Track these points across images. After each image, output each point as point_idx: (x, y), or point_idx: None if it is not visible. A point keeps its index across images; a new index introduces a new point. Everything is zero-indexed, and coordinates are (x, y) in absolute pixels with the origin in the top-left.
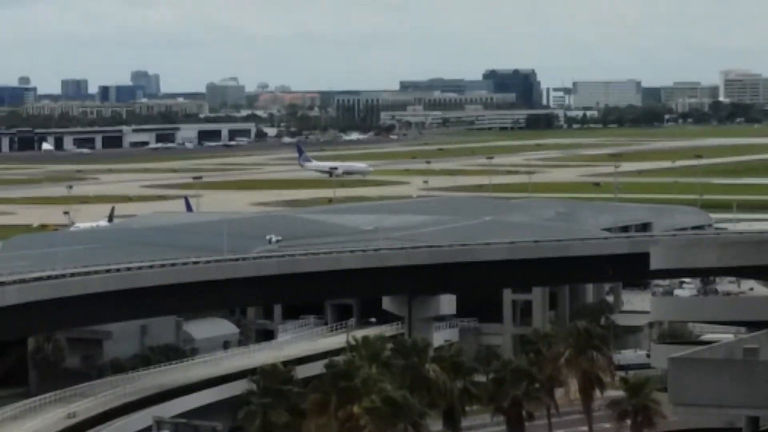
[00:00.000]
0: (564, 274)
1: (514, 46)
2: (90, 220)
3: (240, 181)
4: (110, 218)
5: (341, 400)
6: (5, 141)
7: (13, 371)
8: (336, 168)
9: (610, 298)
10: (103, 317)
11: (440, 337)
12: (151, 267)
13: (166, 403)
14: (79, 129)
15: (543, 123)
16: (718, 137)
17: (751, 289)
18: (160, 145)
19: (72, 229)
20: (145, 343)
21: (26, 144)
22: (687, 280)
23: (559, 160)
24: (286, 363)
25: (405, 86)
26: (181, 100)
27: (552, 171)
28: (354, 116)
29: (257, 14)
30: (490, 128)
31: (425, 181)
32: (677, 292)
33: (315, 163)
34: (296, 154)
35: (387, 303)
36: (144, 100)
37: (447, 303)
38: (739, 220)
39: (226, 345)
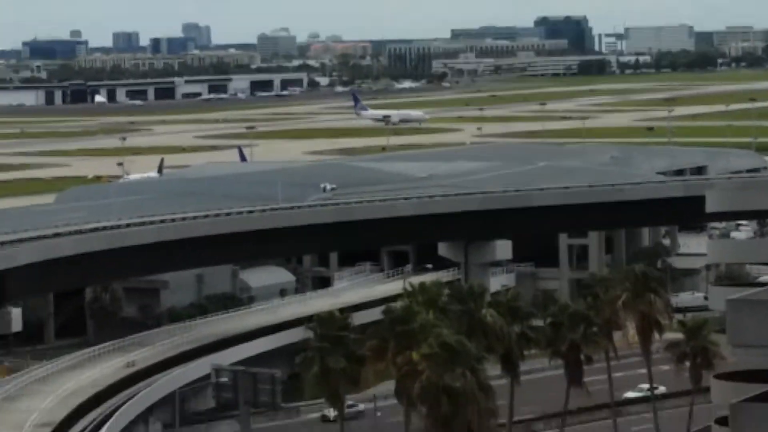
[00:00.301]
0: (619, 218)
1: None
2: (143, 171)
3: (293, 130)
4: (160, 170)
5: (399, 346)
6: (58, 94)
7: (72, 321)
8: (391, 116)
9: (666, 242)
10: (159, 267)
11: (497, 282)
12: (206, 217)
13: (224, 352)
14: (131, 81)
15: (595, 69)
16: None
17: None
18: (212, 95)
19: (122, 180)
20: (201, 292)
21: (79, 96)
22: (743, 222)
23: (613, 105)
24: (342, 310)
25: (456, 34)
26: (232, 51)
27: (605, 116)
28: (406, 65)
29: None
30: (542, 75)
31: (479, 128)
32: (734, 234)
33: (371, 112)
34: (350, 103)
35: (443, 249)
36: (195, 51)
37: (503, 248)
38: None
39: (282, 293)
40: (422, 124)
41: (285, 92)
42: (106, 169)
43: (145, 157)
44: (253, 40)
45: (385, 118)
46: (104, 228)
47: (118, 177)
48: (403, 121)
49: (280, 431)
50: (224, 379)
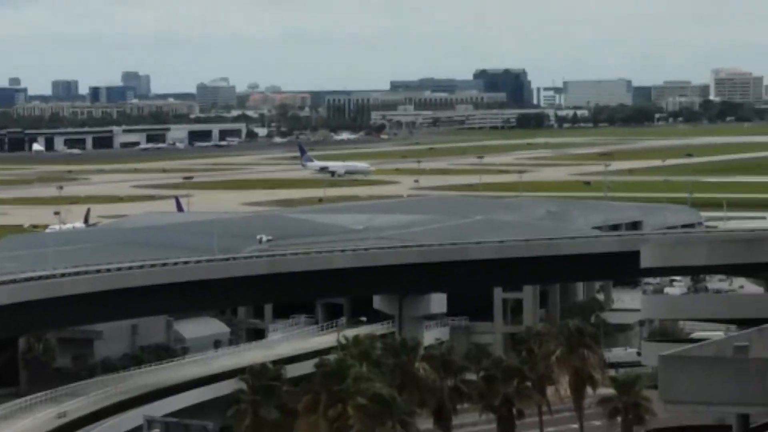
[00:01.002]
0: (554, 272)
1: (505, 46)
2: (73, 221)
3: (231, 180)
4: (86, 220)
5: (331, 399)
6: None
7: (4, 371)
8: (336, 168)
9: (600, 296)
10: (94, 317)
11: (431, 335)
12: (141, 267)
13: (157, 402)
14: (69, 129)
15: (534, 122)
16: (709, 136)
17: (741, 286)
18: (150, 145)
19: (47, 231)
20: (135, 343)
21: (17, 145)
22: (677, 278)
23: (550, 159)
24: (276, 362)
25: (395, 86)
26: (171, 100)
27: (543, 170)
28: (345, 116)
29: (247, 15)
30: (480, 127)
31: (416, 181)
32: (667, 290)
33: (317, 163)
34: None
35: (378, 302)
36: (134, 100)
37: (438, 302)
38: (729, 219)
39: (216, 344)
40: (368, 176)
41: (223, 142)
42: (42, 218)
43: (82, 206)
44: (192, 90)
45: (332, 170)
46: (39, 277)
47: (44, 227)
48: (348, 172)
49: None
50: (156, 431)
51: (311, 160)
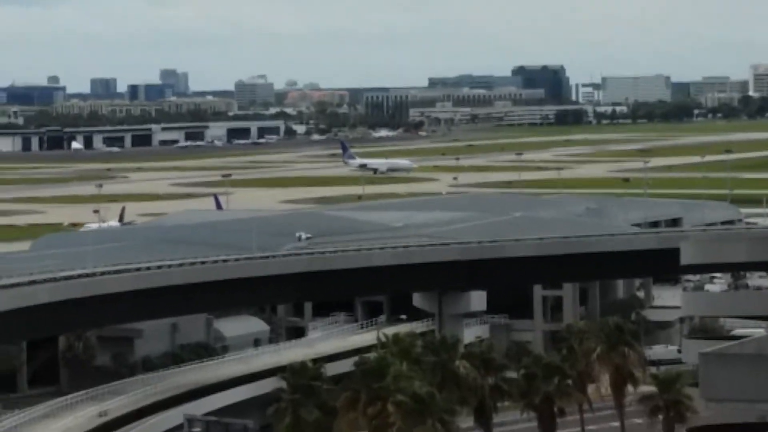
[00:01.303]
0: (594, 269)
1: (543, 42)
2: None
3: (269, 178)
4: (121, 218)
5: (371, 398)
6: (35, 140)
7: (45, 370)
8: (379, 166)
9: (640, 294)
10: (134, 315)
11: (471, 333)
12: (181, 265)
13: (197, 401)
14: (108, 128)
15: (572, 118)
16: (748, 132)
17: None
18: (189, 143)
19: (82, 230)
20: (175, 341)
21: (56, 143)
22: (717, 275)
23: (589, 155)
24: (316, 360)
25: (433, 83)
26: (210, 98)
27: (581, 167)
28: (383, 113)
29: (285, 12)
30: (519, 124)
31: (455, 178)
32: (708, 287)
33: (359, 160)
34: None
35: (417, 300)
36: (173, 98)
37: (477, 299)
38: None
39: (256, 342)
40: (410, 173)
41: (262, 140)
42: (82, 216)
43: (121, 204)
44: (231, 87)
45: (374, 168)
46: (79, 276)
47: (82, 225)
48: (390, 170)
49: None
50: (197, 430)
51: (353, 158)
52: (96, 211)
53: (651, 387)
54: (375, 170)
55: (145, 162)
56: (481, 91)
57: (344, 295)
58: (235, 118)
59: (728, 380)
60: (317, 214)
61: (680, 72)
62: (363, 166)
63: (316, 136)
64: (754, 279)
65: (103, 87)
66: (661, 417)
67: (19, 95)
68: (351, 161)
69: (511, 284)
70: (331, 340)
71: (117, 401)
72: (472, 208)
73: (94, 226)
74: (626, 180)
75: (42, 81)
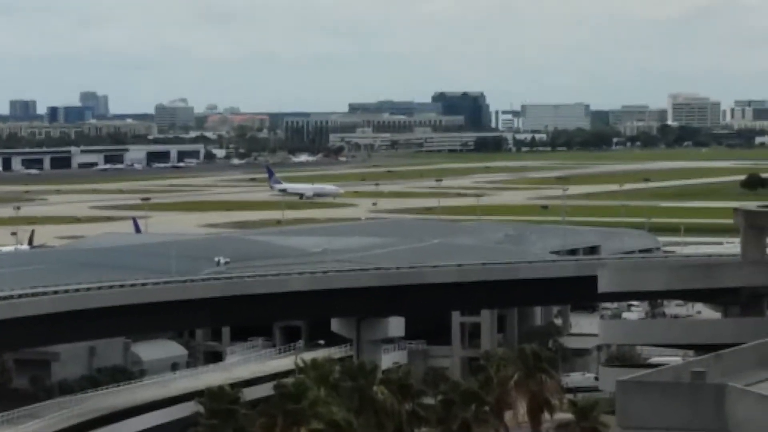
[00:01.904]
0: (512, 296)
1: (463, 69)
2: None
3: (188, 202)
4: (30, 242)
5: (288, 423)
6: None
7: None
8: (305, 191)
9: (558, 321)
10: (51, 338)
11: (389, 359)
12: (99, 288)
13: (115, 425)
14: (27, 150)
15: (492, 145)
16: (666, 161)
17: (699, 312)
18: (108, 166)
19: None
20: (93, 365)
21: None
22: (635, 303)
23: (508, 182)
24: (234, 385)
25: (354, 108)
26: (130, 121)
27: (501, 194)
28: (303, 138)
29: (206, 36)
30: (439, 150)
31: (374, 203)
32: (625, 315)
33: (285, 185)
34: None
35: (335, 325)
36: (93, 121)
37: (395, 325)
38: (686, 244)
39: (174, 367)
40: (336, 199)
41: (181, 164)
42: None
43: (40, 226)
44: (151, 111)
45: (300, 193)
46: None
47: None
48: (317, 195)
49: None
50: None
51: (279, 182)
52: (14, 234)
53: (568, 414)
54: (301, 195)
55: (64, 184)
56: (401, 117)
57: (262, 319)
58: (155, 141)
59: (645, 408)
60: (236, 239)
61: (600, 100)
62: (283, 191)
63: (235, 161)
64: (671, 307)
65: (23, 109)
66: None
67: None
68: (277, 186)
69: (430, 310)
70: (249, 365)
71: (34, 424)
72: (391, 234)
73: (7, 249)
74: (545, 207)
75: None
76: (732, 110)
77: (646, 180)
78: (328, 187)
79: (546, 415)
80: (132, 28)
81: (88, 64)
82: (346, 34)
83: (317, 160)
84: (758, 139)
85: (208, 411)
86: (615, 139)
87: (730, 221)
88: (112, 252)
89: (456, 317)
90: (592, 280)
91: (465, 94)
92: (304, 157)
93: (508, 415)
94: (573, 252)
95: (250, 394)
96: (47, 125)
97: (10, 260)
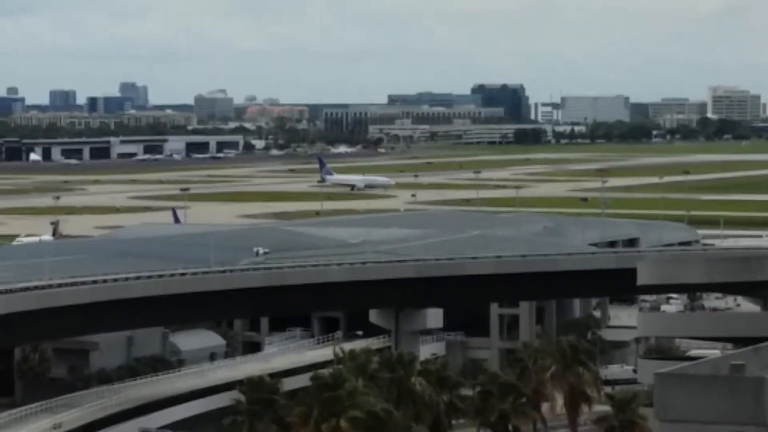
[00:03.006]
0: (551, 288)
1: (502, 61)
2: (73, 230)
3: (227, 193)
4: (54, 232)
5: (325, 413)
6: None
7: (0, 381)
8: (357, 182)
9: (597, 313)
10: (90, 328)
11: (427, 350)
12: (137, 278)
13: (153, 414)
14: (66, 140)
15: (531, 137)
16: (706, 153)
17: (738, 305)
18: (147, 156)
19: (15, 243)
20: (131, 354)
21: (14, 154)
22: (674, 295)
23: (547, 174)
24: (272, 375)
25: (393, 100)
26: (169, 111)
27: (540, 186)
28: (342, 129)
29: (245, 27)
30: (478, 142)
31: (413, 195)
32: (664, 307)
33: (336, 176)
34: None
35: (374, 316)
36: (132, 111)
37: (434, 316)
38: (725, 237)
39: (212, 357)
40: (387, 190)
41: (220, 154)
42: (39, 228)
43: (79, 216)
44: (190, 101)
45: (352, 184)
46: (35, 288)
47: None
48: (368, 186)
49: None
50: None
51: (330, 173)
52: (53, 223)
53: (606, 407)
54: (352, 186)
55: (104, 175)
56: (441, 109)
57: (301, 310)
58: (194, 132)
59: (683, 401)
60: (275, 229)
61: (639, 93)
62: (348, 183)
63: (274, 151)
64: (710, 300)
65: (62, 99)
66: None
67: None
68: (329, 177)
69: (468, 302)
70: (287, 355)
71: (72, 414)
72: (429, 226)
73: (26, 240)
74: (584, 199)
75: (1, 92)
76: None
77: (686, 173)
78: (380, 178)
79: (584, 408)
80: (169, 19)
81: (127, 55)
82: (384, 26)
83: (356, 152)
84: None
85: (247, 401)
86: (654, 132)
87: None
88: (151, 242)
89: (494, 309)
90: (631, 272)
91: (504, 86)
92: (342, 149)
93: (545, 407)
94: (612, 244)
95: (288, 384)
96: (87, 115)
97: (50, 250)
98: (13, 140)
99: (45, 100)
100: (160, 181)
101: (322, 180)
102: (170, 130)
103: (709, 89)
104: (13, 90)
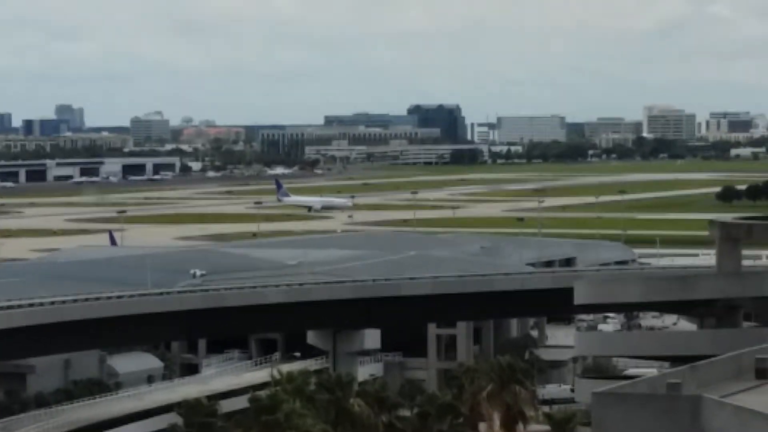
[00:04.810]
0: (488, 308)
1: (439, 82)
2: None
3: (164, 215)
4: None
5: None
6: None
7: None
8: (313, 204)
9: (534, 333)
10: (27, 351)
11: (365, 371)
12: (75, 301)
13: None
14: (2, 162)
15: (467, 158)
16: (642, 173)
17: (675, 323)
18: (84, 179)
19: None
20: (68, 377)
21: None
22: (611, 314)
23: (484, 195)
24: (210, 397)
25: (330, 121)
26: (105, 134)
27: (476, 206)
28: (279, 151)
29: (182, 48)
30: (414, 163)
31: (350, 216)
32: (601, 326)
33: (293, 198)
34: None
35: (311, 337)
36: (68, 133)
37: (371, 337)
38: (662, 255)
39: (150, 379)
40: (345, 211)
41: (157, 176)
42: None
43: (15, 239)
44: (127, 123)
45: (306, 206)
46: None
47: None
48: (325, 207)
49: None
50: None
51: (287, 195)
52: None
53: (544, 426)
54: (309, 208)
55: (40, 197)
56: (377, 130)
57: (238, 332)
58: (131, 154)
59: (621, 420)
60: (212, 251)
61: (575, 112)
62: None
63: (211, 173)
64: (647, 319)
65: None
66: None
67: None
68: (285, 199)
69: (406, 322)
70: (225, 377)
71: None
72: (367, 246)
73: None
74: (520, 219)
75: None
76: (707, 122)
77: (622, 192)
78: (337, 200)
79: (521, 427)
80: (105, 41)
81: (62, 77)
82: (321, 46)
83: (293, 173)
84: (733, 151)
85: (185, 423)
86: (590, 152)
87: (705, 233)
88: (88, 265)
89: (432, 329)
90: (568, 291)
91: (440, 107)
92: (279, 170)
93: (483, 427)
94: (549, 264)
95: (226, 406)
96: (22, 138)
97: None
98: None
99: None
100: (97, 204)
101: (279, 201)
102: (106, 152)
103: (645, 109)
104: None
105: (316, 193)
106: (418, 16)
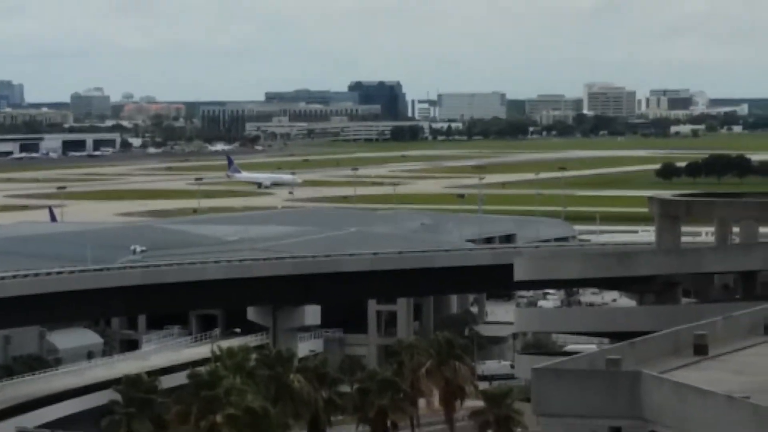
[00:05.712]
0: (428, 285)
1: (380, 58)
2: None
3: (104, 191)
4: None
5: (203, 410)
6: None
7: None
8: (263, 180)
9: (474, 309)
10: None
11: (305, 347)
12: (14, 277)
13: (30, 414)
14: None
15: (408, 134)
16: (582, 150)
17: (614, 300)
18: (24, 154)
19: None
20: (8, 354)
21: None
22: (550, 291)
23: (424, 171)
24: (150, 373)
25: (270, 97)
26: (45, 110)
27: (417, 182)
28: (219, 127)
29: (123, 25)
30: (355, 140)
31: (290, 192)
32: (541, 303)
33: (244, 174)
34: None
35: (252, 313)
36: (8, 109)
37: (312, 313)
38: (601, 232)
39: (90, 355)
40: (294, 187)
41: (97, 152)
42: None
43: None
44: (67, 99)
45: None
46: None
47: None
48: (275, 184)
49: None
50: None
51: (238, 171)
52: None
53: (482, 402)
54: (259, 184)
55: None
56: (318, 106)
57: (178, 308)
58: (71, 130)
59: (560, 395)
60: (152, 227)
61: (515, 89)
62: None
63: (151, 149)
64: (587, 295)
65: None
66: None
67: None
68: (236, 175)
69: (346, 299)
70: (165, 353)
71: None
72: (307, 223)
73: None
74: (461, 196)
75: None
76: (647, 99)
77: (562, 169)
78: (286, 176)
79: (460, 403)
80: (47, 17)
81: (2, 53)
82: (262, 23)
83: (233, 149)
84: (673, 129)
85: (125, 399)
86: (531, 128)
87: (644, 210)
88: (27, 241)
89: (372, 305)
90: (508, 268)
91: (381, 84)
92: (220, 146)
93: (423, 403)
94: (489, 240)
95: (166, 382)
96: None
97: None
98: None
99: None
100: (37, 180)
101: (229, 177)
102: (46, 128)
103: (585, 86)
104: None
105: (257, 169)
106: None
